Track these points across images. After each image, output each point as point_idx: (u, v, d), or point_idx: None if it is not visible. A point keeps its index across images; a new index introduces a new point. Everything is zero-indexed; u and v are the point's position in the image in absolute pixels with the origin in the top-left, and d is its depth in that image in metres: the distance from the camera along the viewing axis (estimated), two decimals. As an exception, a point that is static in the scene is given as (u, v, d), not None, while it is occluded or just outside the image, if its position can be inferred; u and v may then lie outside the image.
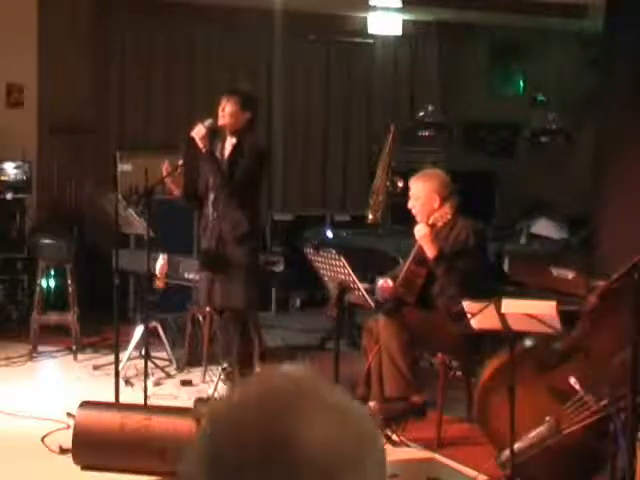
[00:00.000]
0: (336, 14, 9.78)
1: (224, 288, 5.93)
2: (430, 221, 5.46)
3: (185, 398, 6.02)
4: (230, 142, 6.01)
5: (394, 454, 5.09)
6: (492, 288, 5.62)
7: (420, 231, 5.44)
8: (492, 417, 4.66)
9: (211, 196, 6.00)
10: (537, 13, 9.28)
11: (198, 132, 5.80)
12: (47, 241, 7.40)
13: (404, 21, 9.88)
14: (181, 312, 7.30)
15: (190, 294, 7.32)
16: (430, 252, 5.40)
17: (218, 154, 5.99)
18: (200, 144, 5.82)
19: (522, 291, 6.39)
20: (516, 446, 4.36)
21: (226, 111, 5.91)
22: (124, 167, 8.60)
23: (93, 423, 4.78)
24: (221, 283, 5.94)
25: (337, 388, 0.97)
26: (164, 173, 5.81)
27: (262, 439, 0.90)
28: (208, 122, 5.84)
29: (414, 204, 5.60)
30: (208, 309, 6.42)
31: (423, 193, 5.57)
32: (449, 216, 5.52)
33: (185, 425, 4.60)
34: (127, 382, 6.20)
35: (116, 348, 5.53)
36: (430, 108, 9.50)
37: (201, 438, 0.94)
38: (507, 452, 4.38)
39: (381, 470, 0.95)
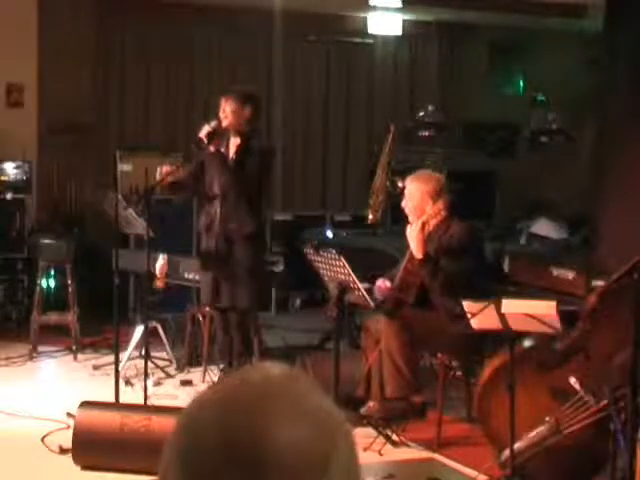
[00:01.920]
0: (336, 14, 9.77)
1: (230, 287, 5.94)
2: (423, 218, 5.47)
3: (185, 398, 6.02)
4: (234, 142, 6.03)
5: (394, 454, 5.10)
6: (488, 288, 5.62)
7: (412, 230, 5.46)
8: (492, 417, 4.66)
9: (217, 197, 6.00)
10: (537, 13, 9.28)
11: (203, 132, 5.82)
12: (47, 241, 7.40)
13: (404, 21, 9.88)
14: (181, 312, 7.29)
15: (190, 294, 7.32)
16: (417, 253, 5.40)
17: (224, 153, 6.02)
18: (207, 144, 5.84)
19: (522, 291, 6.39)
20: (516, 446, 4.36)
21: (227, 111, 5.93)
22: (124, 167, 8.59)
23: (93, 423, 4.78)
24: (227, 282, 5.95)
25: (313, 388, 0.95)
26: (163, 175, 5.81)
27: (226, 439, 0.89)
28: (214, 123, 5.87)
29: (407, 204, 5.63)
30: (208, 309, 6.42)
31: (417, 194, 5.59)
32: (443, 213, 5.53)
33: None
34: (127, 382, 6.20)
35: (116, 348, 5.53)
36: (430, 108, 9.50)
37: (174, 436, 0.93)
38: (507, 452, 4.38)
39: (351, 472, 0.93)
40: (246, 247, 5.96)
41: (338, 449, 0.92)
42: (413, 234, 5.43)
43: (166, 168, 5.86)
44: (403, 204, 5.67)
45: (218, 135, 5.91)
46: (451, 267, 5.38)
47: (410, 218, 5.58)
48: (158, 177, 5.80)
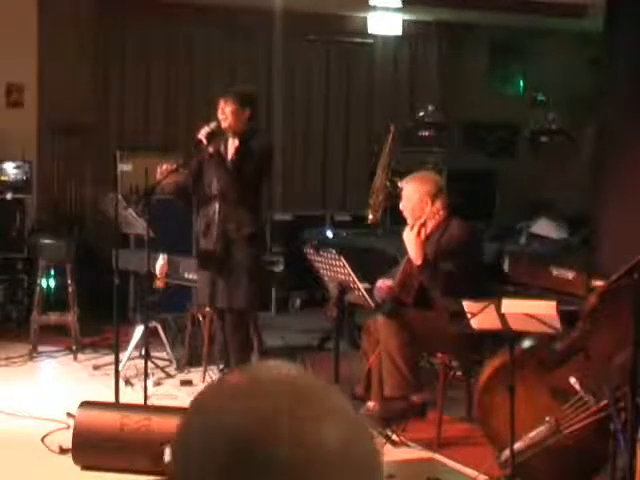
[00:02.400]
0: (336, 14, 9.78)
1: (228, 288, 5.94)
2: (421, 220, 5.44)
3: (185, 398, 6.01)
4: (233, 143, 6.02)
5: (394, 454, 5.10)
6: (488, 288, 5.61)
7: (407, 238, 5.43)
8: (492, 417, 4.66)
9: (216, 198, 6.00)
10: (537, 13, 9.28)
11: (204, 134, 5.82)
12: (47, 241, 7.40)
13: (404, 21, 9.88)
14: (181, 312, 7.30)
15: (190, 294, 7.32)
16: (415, 259, 5.38)
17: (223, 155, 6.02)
18: (206, 145, 5.84)
19: (522, 291, 6.39)
20: (516, 446, 4.36)
21: (227, 112, 5.93)
22: (124, 167, 8.59)
23: (93, 423, 4.78)
24: (225, 283, 5.95)
25: (329, 388, 0.95)
26: (163, 173, 5.81)
27: (239, 440, 0.88)
28: (213, 124, 5.87)
29: (405, 206, 5.59)
30: (208, 309, 6.42)
31: (416, 196, 5.55)
32: (441, 213, 5.51)
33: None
34: (127, 382, 6.20)
35: (116, 348, 5.53)
36: (430, 108, 9.50)
37: (184, 436, 0.93)
38: (507, 452, 4.38)
39: (375, 472, 0.93)
40: (245, 248, 5.97)
41: (363, 448, 0.92)
42: (410, 239, 5.40)
43: (166, 166, 5.84)
44: (401, 207, 5.62)
45: (217, 136, 5.92)
46: (451, 268, 5.37)
47: (409, 221, 5.54)
48: (159, 176, 5.79)
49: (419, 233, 5.40)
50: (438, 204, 5.52)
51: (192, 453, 0.91)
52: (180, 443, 0.93)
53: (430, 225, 5.49)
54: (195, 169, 6.11)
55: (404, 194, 5.64)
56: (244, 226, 5.96)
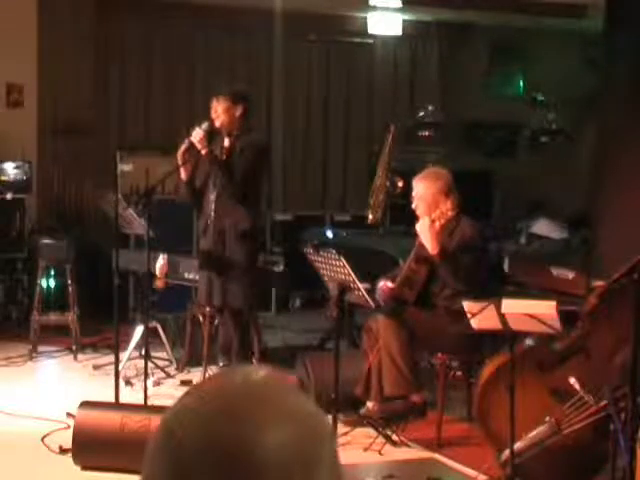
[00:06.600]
0: (336, 14, 9.78)
1: (223, 287, 5.96)
2: (433, 216, 5.41)
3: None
4: (226, 142, 6.06)
5: (394, 454, 5.10)
6: (492, 288, 5.61)
7: (422, 225, 5.39)
8: (492, 417, 4.66)
9: (212, 196, 6.02)
10: (537, 13, 9.28)
11: (196, 136, 5.84)
12: (47, 241, 7.40)
13: (404, 21, 9.88)
14: (181, 312, 7.29)
15: (190, 294, 7.33)
16: (431, 248, 5.34)
17: (217, 154, 6.03)
18: (199, 147, 5.86)
19: (522, 291, 6.39)
20: (516, 446, 4.36)
21: (219, 111, 5.97)
22: (124, 167, 8.59)
23: (93, 423, 4.78)
24: (221, 282, 5.97)
25: (291, 389, 0.95)
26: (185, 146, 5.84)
27: (212, 445, 0.89)
28: (205, 125, 5.89)
29: (418, 205, 5.55)
30: (208, 309, 6.43)
31: (429, 193, 5.49)
32: (450, 213, 5.47)
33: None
34: (127, 382, 6.20)
35: (116, 348, 5.53)
36: (430, 108, 9.51)
37: (157, 442, 0.93)
38: (507, 452, 4.38)
39: (335, 470, 0.94)
40: (240, 246, 5.98)
41: (323, 448, 0.93)
42: (425, 229, 5.35)
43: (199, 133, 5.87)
44: (414, 206, 5.56)
45: (215, 136, 5.96)
46: (472, 262, 5.34)
47: (422, 217, 5.49)
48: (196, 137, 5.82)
49: (433, 222, 5.34)
50: (450, 202, 5.47)
51: (170, 457, 0.91)
52: (158, 449, 0.93)
53: (441, 222, 5.42)
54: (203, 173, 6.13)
55: (416, 193, 5.56)
56: (240, 222, 5.97)
